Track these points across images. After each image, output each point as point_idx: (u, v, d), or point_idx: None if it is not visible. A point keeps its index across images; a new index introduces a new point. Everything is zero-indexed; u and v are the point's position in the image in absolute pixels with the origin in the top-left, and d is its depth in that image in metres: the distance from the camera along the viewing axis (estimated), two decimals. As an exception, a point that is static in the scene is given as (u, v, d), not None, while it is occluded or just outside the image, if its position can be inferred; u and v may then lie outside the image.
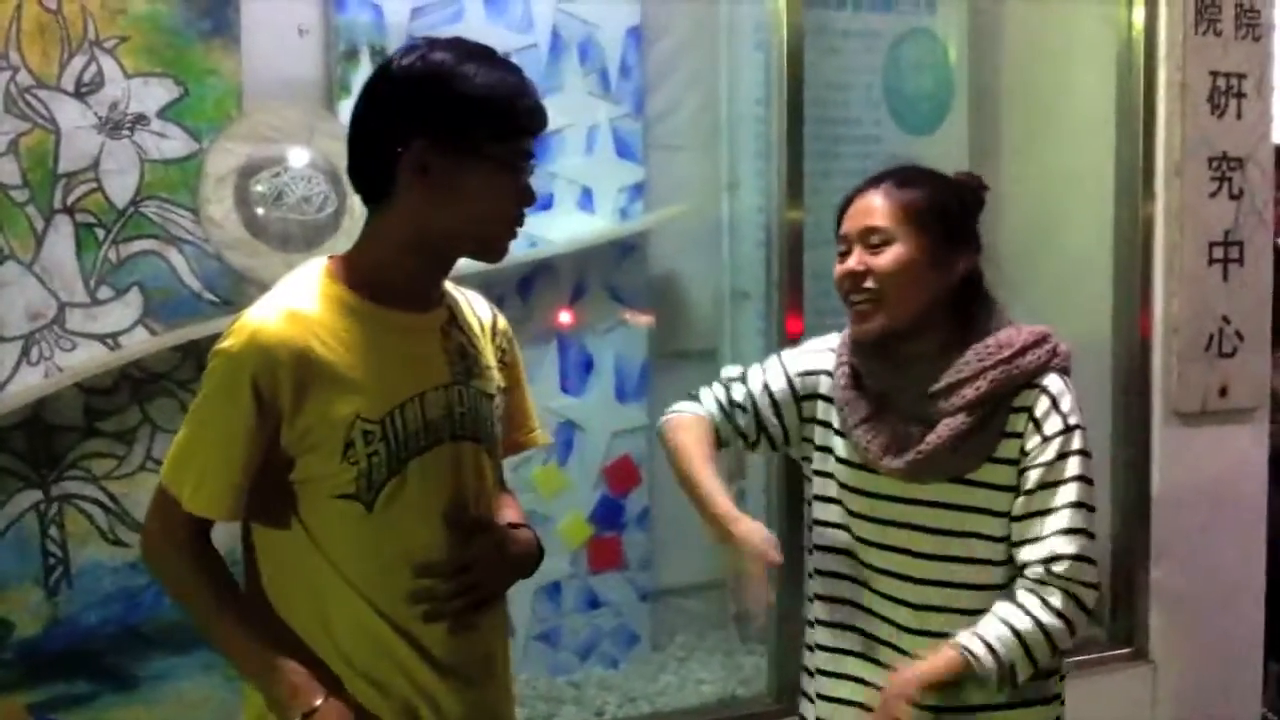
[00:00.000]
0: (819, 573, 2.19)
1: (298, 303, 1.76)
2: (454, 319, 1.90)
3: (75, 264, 2.96)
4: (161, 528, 1.79)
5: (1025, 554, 2.01)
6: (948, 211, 2.10)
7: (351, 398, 1.74)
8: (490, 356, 1.95)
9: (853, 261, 2.07)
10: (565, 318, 3.64)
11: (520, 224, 1.83)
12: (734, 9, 3.82)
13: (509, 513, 2.00)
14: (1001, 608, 2.00)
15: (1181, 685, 3.83)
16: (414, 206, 1.76)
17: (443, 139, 1.74)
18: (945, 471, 2.03)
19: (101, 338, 2.99)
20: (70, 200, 2.94)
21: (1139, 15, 3.73)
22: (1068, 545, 1.99)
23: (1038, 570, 1.99)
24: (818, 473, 2.20)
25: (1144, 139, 3.74)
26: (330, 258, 1.84)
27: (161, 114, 3.01)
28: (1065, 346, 2.10)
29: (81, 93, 2.95)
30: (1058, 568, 1.98)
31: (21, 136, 2.90)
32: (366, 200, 1.82)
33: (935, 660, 1.96)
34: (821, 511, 2.19)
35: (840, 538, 2.15)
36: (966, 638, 1.96)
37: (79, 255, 2.96)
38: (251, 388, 1.70)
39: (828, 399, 2.19)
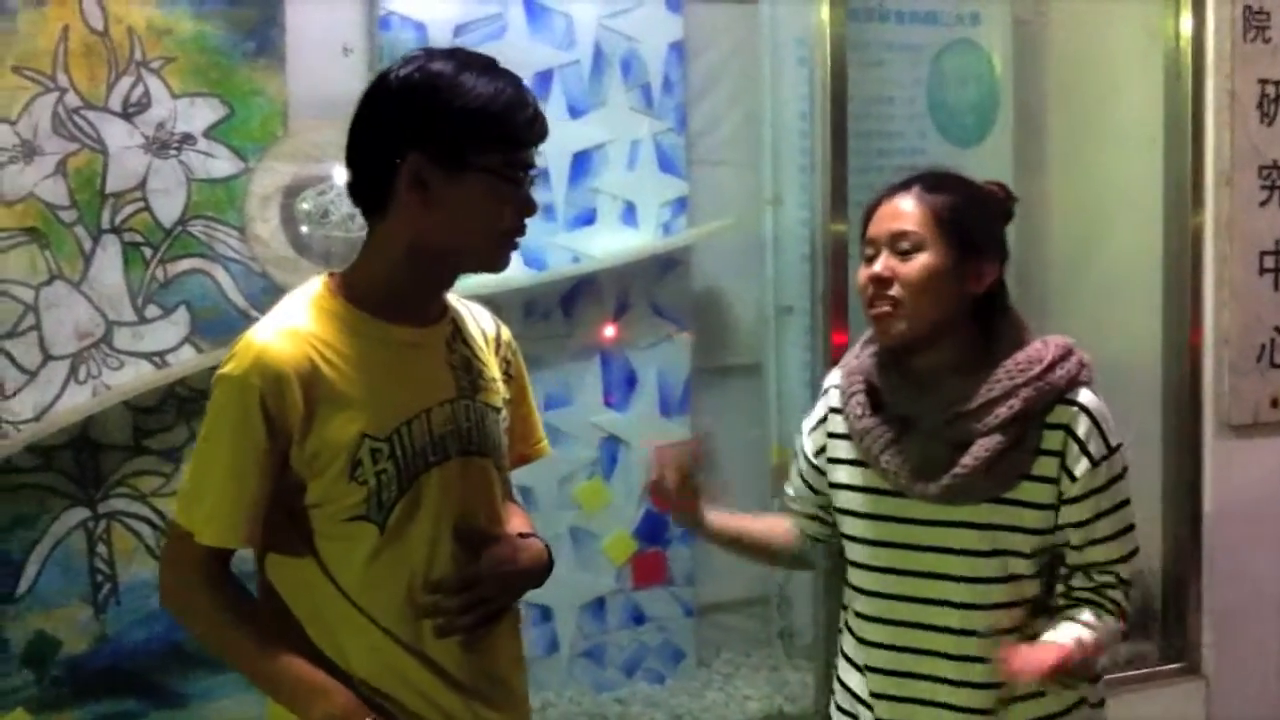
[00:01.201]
0: (860, 593, 2.16)
1: (299, 322, 1.74)
2: (458, 332, 1.88)
3: (123, 283, 2.98)
4: (180, 569, 1.75)
5: (1083, 579, 2.03)
6: (978, 220, 2.05)
7: (357, 416, 1.72)
8: (495, 369, 1.93)
9: (879, 266, 2.02)
10: (609, 332, 3.63)
11: (521, 235, 1.80)
12: (776, 23, 3.81)
13: (516, 522, 1.97)
14: (1086, 605, 2.01)
15: (1234, 700, 3.79)
16: (412, 220, 1.74)
17: (440, 152, 1.71)
18: (981, 493, 1.98)
19: (149, 356, 3.01)
20: (118, 220, 2.97)
21: (1186, 24, 3.70)
22: (1125, 570, 2.03)
23: (1102, 587, 2.02)
24: (840, 510, 2.16)
25: (1192, 149, 3.71)
26: (329, 274, 1.82)
27: (208, 134, 3.03)
28: (1088, 357, 2.06)
29: (128, 113, 2.97)
30: (1118, 593, 2.02)
31: (69, 157, 2.93)
32: (365, 213, 1.80)
33: (1059, 652, 1.89)
34: (850, 551, 2.15)
35: (874, 575, 2.11)
36: (1082, 632, 1.95)
37: (126, 274, 2.99)
38: (261, 410, 1.67)
39: (840, 436, 2.16)
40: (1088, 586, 2.02)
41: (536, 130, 1.78)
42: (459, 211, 1.73)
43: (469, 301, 1.98)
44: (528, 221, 1.81)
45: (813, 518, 2.26)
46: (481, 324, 1.96)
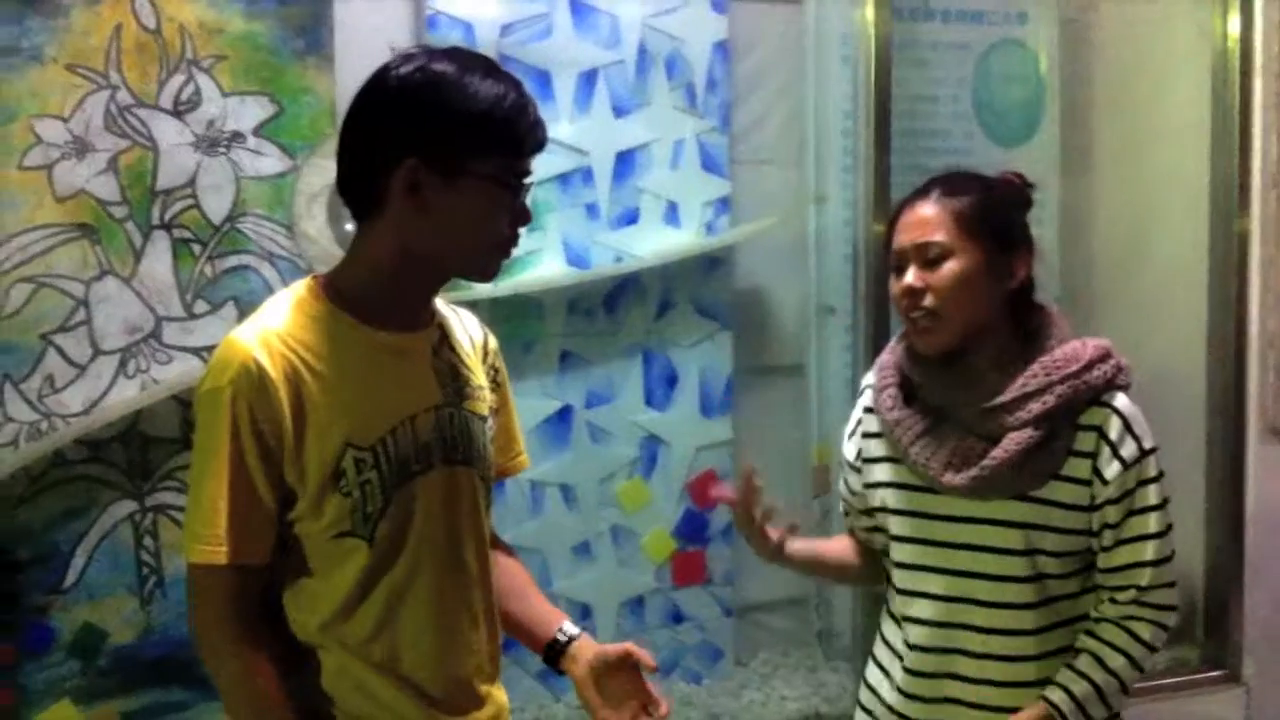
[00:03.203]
0: (894, 591, 2.18)
1: (283, 325, 1.69)
2: (445, 338, 1.83)
3: (172, 279, 3.01)
4: (204, 610, 1.69)
5: (1109, 581, 2.02)
6: (1002, 216, 2.05)
7: (341, 423, 1.67)
8: (482, 377, 1.89)
9: (911, 278, 2.01)
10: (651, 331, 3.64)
11: (515, 245, 1.75)
12: (821, 22, 3.80)
13: (534, 601, 2.00)
14: (1092, 647, 2.00)
15: (1275, 708, 3.76)
16: (404, 225, 1.69)
17: (438, 157, 1.65)
18: (1009, 489, 1.99)
19: (197, 351, 3.04)
20: (168, 216, 3.00)
21: (1234, 24, 3.68)
22: (1154, 577, 2.00)
23: (1124, 604, 2.00)
24: (877, 509, 2.18)
25: (1239, 150, 3.69)
26: (315, 276, 1.78)
27: (257, 131, 3.06)
28: (1126, 362, 2.05)
29: (179, 111, 3.00)
30: (1145, 597, 2.00)
31: (121, 154, 2.96)
32: (356, 214, 1.75)
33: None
34: (893, 551, 2.16)
35: (902, 573, 2.14)
36: (1058, 695, 1.97)
37: (176, 270, 3.02)
38: (250, 420, 1.63)
39: (875, 435, 2.17)
40: (1109, 618, 2.01)
41: (538, 139, 1.73)
42: (453, 219, 1.68)
43: (458, 307, 1.94)
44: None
45: (872, 529, 2.25)
46: (469, 330, 1.92)
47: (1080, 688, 1.96)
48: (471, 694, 1.84)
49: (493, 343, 1.97)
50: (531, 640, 2.00)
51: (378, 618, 1.73)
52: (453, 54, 1.72)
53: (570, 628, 1.99)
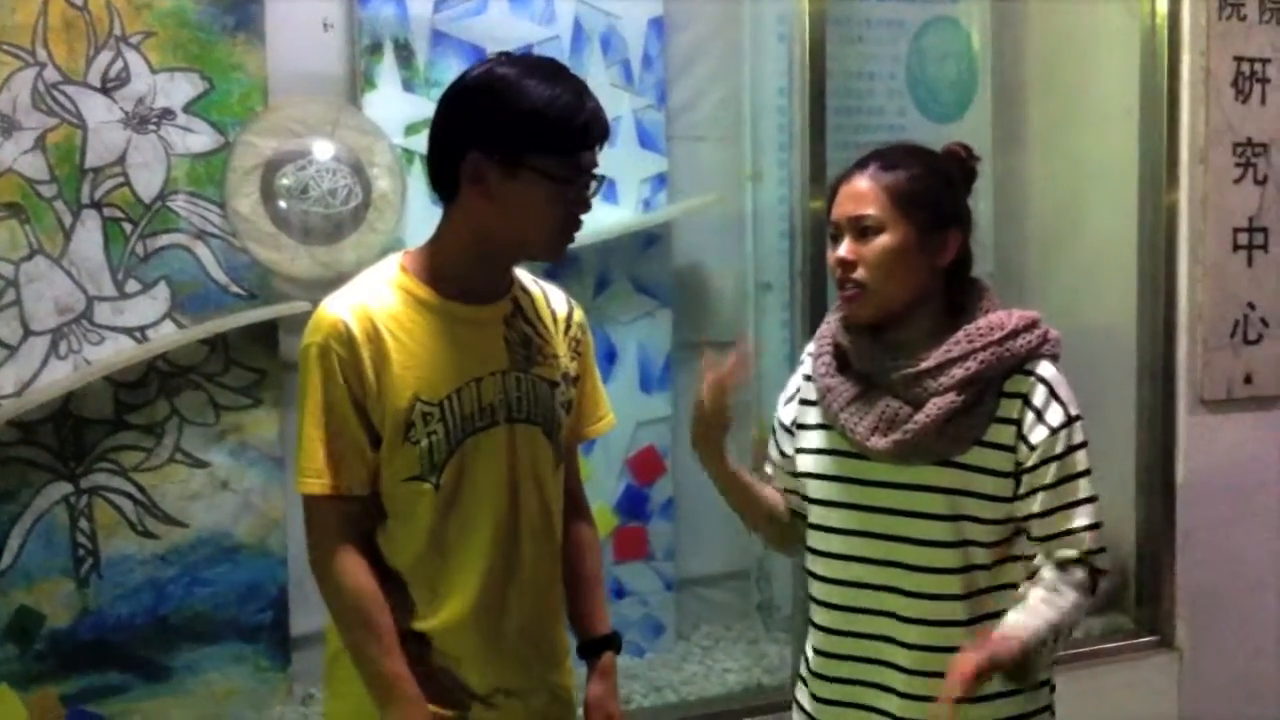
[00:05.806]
0: (815, 554, 2.19)
1: (370, 294, 1.91)
2: (519, 311, 2.02)
3: (103, 258, 2.99)
4: (316, 538, 1.91)
5: (1048, 547, 2.03)
6: (937, 192, 2.06)
7: (413, 382, 1.89)
8: (560, 346, 2.07)
9: (843, 250, 2.04)
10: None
11: (576, 228, 1.94)
12: (756, -1, 3.82)
13: (595, 612, 2.15)
14: (1041, 589, 2.00)
15: (1207, 673, 3.83)
16: (472, 212, 1.90)
17: (495, 151, 1.85)
18: (932, 453, 2.01)
19: (129, 331, 3.01)
20: (98, 195, 2.97)
21: (1162, 2, 3.72)
22: (1094, 540, 2.03)
23: (1066, 560, 2.02)
24: (802, 474, 2.19)
25: (1168, 125, 3.73)
26: (405, 253, 1.99)
27: (187, 109, 3.03)
28: (1055, 333, 2.08)
29: (108, 88, 2.97)
30: (1089, 559, 2.02)
31: (49, 132, 2.93)
32: (440, 199, 1.95)
33: (998, 647, 1.90)
34: (812, 514, 2.18)
35: (832, 537, 2.14)
36: (1019, 626, 1.95)
37: (107, 249, 2.99)
38: (340, 370, 1.86)
39: (810, 402, 2.19)
40: (1050, 566, 2.02)
41: (592, 135, 1.90)
42: (513, 207, 1.88)
43: (545, 283, 2.12)
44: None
45: (794, 491, 2.28)
46: (554, 305, 2.10)
47: (1037, 620, 1.96)
48: (538, 635, 2.03)
49: (578, 316, 2.14)
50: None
51: (452, 555, 1.93)
52: (521, 60, 1.93)
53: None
